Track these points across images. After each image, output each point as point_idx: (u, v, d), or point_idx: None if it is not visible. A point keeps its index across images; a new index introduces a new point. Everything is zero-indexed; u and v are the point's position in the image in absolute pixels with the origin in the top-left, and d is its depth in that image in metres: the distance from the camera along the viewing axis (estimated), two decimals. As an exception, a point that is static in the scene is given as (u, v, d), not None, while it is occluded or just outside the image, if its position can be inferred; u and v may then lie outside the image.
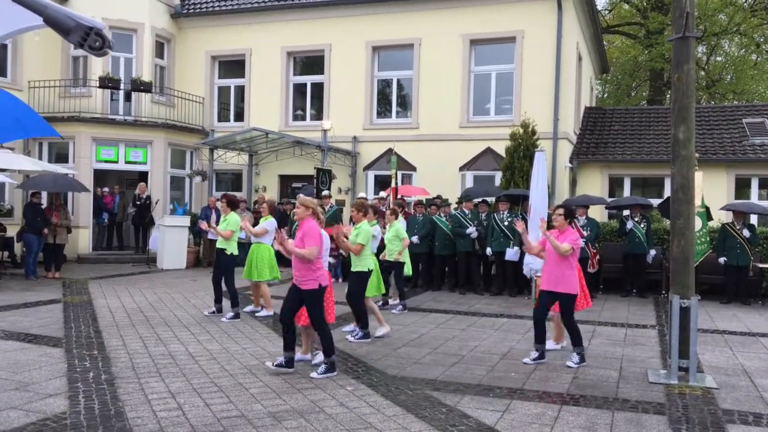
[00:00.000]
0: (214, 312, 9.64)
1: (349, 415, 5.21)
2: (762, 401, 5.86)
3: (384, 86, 17.84)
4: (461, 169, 16.22)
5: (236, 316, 9.32)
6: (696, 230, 10.24)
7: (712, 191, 14.05)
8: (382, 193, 14.86)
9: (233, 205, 9.67)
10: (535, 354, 7.18)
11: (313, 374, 6.33)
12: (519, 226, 7.35)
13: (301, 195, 6.81)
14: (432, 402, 5.60)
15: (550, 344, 7.52)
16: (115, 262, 16.42)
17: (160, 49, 18.76)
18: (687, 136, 6.73)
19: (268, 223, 9.57)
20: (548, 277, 7.06)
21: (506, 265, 12.39)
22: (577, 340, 7.11)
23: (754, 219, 13.84)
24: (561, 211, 7.26)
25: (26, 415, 5.06)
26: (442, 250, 12.93)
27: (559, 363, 7.12)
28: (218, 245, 9.60)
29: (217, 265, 9.70)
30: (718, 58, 32.63)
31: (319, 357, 6.66)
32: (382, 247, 9.96)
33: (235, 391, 5.82)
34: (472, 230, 12.48)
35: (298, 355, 6.77)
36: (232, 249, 9.50)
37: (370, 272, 8.05)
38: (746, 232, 12.08)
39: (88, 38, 2.78)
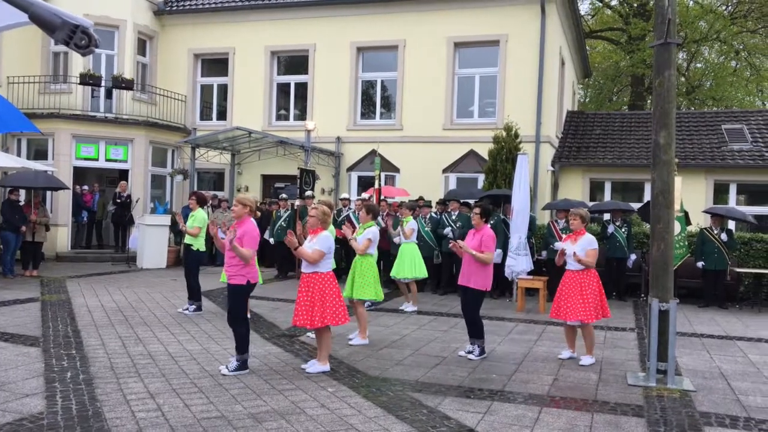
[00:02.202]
0: (188, 309, 9.78)
1: (330, 416, 5.20)
2: (738, 404, 5.94)
3: (368, 87, 17.85)
4: (444, 171, 16.27)
5: (199, 308, 9.66)
6: (675, 235, 10.39)
7: (691, 196, 14.22)
8: (365, 194, 14.87)
9: (202, 202, 9.86)
10: (477, 350, 7.45)
11: (223, 370, 6.44)
12: (454, 247, 7.47)
13: (241, 194, 6.82)
14: (413, 403, 5.60)
15: (566, 353, 7.54)
16: (94, 261, 16.24)
17: (142, 47, 18.60)
18: (667, 141, 6.80)
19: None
20: (463, 273, 7.49)
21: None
22: (477, 333, 7.47)
23: (731, 224, 14.02)
24: (477, 210, 7.52)
25: (2, 415, 4.98)
26: (421, 251, 12.91)
27: (541, 366, 7.17)
28: (185, 241, 9.79)
29: (186, 261, 9.84)
30: (698, 65, 33.05)
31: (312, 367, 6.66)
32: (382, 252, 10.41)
33: (215, 391, 5.78)
34: (448, 230, 12.54)
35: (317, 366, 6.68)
36: (199, 245, 9.73)
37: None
38: (724, 237, 12.24)
39: (74, 36, 2.75)
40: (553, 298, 7.58)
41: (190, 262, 9.72)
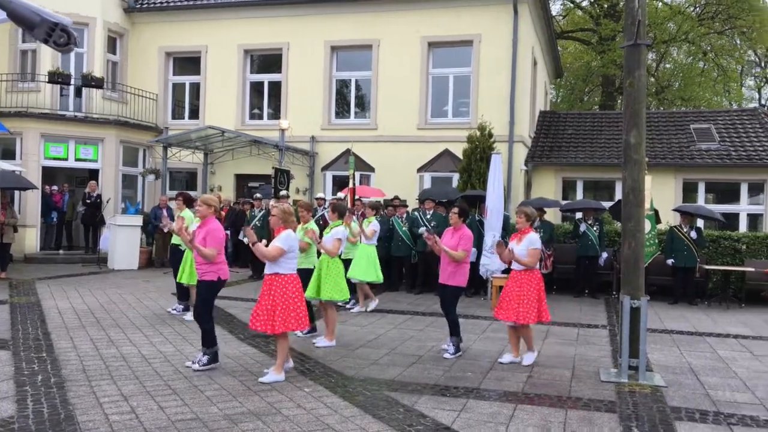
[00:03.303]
0: (176, 309, 9.76)
1: (307, 417, 5.19)
2: (708, 398, 6.06)
3: (342, 86, 17.82)
4: (419, 170, 16.31)
5: (186, 308, 9.51)
6: (645, 233, 10.57)
7: (661, 195, 14.46)
8: (340, 194, 14.84)
9: (189, 202, 9.73)
10: (451, 348, 7.54)
11: (194, 365, 6.51)
12: (429, 239, 7.53)
13: (205, 195, 6.89)
14: (390, 402, 5.62)
15: (507, 357, 7.27)
16: (64, 263, 15.97)
17: (112, 44, 18.34)
18: (638, 141, 6.91)
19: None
20: (443, 271, 7.55)
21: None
22: (454, 331, 7.55)
23: (700, 222, 14.29)
24: (456, 210, 7.61)
25: (-29, 420, 4.89)
26: (397, 251, 13.00)
27: (516, 365, 7.23)
28: (173, 242, 9.73)
29: (175, 261, 9.72)
30: (667, 65, 33.62)
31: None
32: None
33: (189, 393, 5.73)
34: (423, 229, 12.57)
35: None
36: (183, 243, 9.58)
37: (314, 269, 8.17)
38: (693, 234, 12.47)
39: (53, 34, 2.72)
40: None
41: (177, 263, 9.59)
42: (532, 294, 7.05)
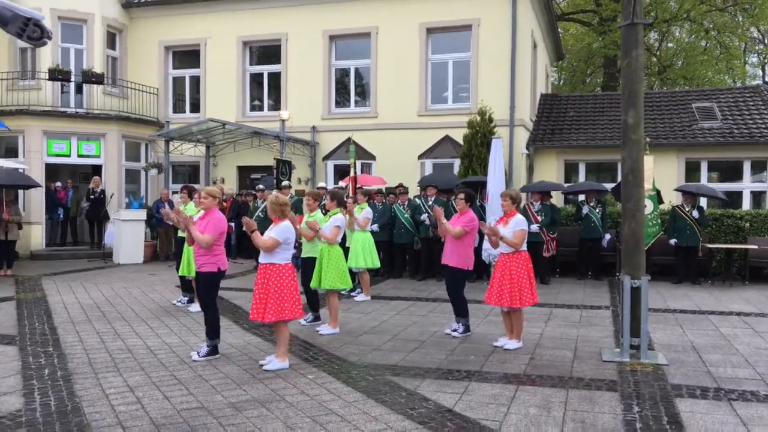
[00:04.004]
0: (181, 301, 9.85)
1: (310, 403, 5.25)
2: (709, 376, 6.09)
3: (342, 75, 17.80)
4: (420, 157, 16.31)
5: (191, 300, 9.61)
6: (647, 213, 10.56)
7: (664, 175, 14.44)
8: (341, 183, 14.86)
9: (192, 195, 9.79)
10: (460, 327, 7.77)
11: (194, 356, 6.61)
12: (437, 211, 7.61)
13: (208, 187, 7.05)
14: (392, 387, 5.67)
15: (503, 340, 7.28)
16: (69, 258, 16.07)
17: (111, 40, 18.35)
18: (636, 121, 6.90)
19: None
20: (445, 252, 7.75)
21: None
22: (462, 312, 7.76)
23: (703, 201, 14.26)
24: (462, 195, 7.73)
25: (-21, 414, 4.96)
26: (399, 238, 13.04)
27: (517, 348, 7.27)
28: (179, 234, 9.79)
29: (181, 253, 9.71)
30: (669, 45, 33.37)
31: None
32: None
33: (194, 383, 5.80)
34: (425, 216, 12.60)
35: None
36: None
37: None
38: (695, 214, 12.45)
39: (26, 28, 2.76)
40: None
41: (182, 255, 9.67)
42: (523, 276, 7.03)
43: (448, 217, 11.56)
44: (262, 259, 6.33)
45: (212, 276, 6.64)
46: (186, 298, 9.75)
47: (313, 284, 8.07)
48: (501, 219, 7.38)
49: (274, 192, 13.99)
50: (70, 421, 4.81)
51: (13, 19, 2.71)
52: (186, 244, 8.55)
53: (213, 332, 6.69)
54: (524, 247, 7.17)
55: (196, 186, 17.42)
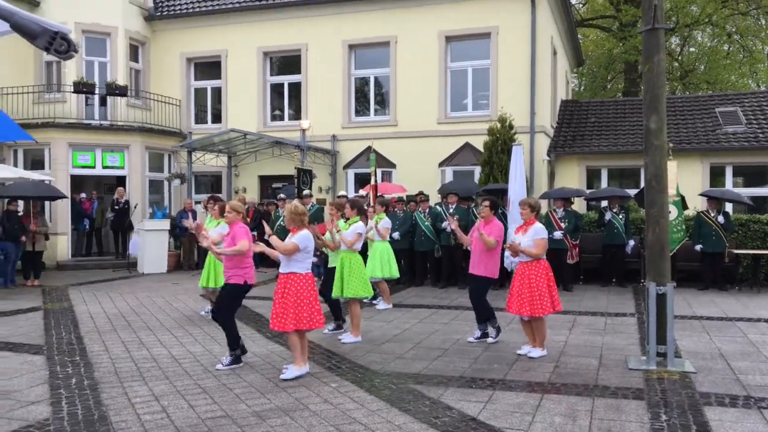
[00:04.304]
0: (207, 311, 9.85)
1: (334, 411, 5.25)
2: (738, 383, 5.99)
3: (362, 84, 17.87)
4: (440, 164, 16.30)
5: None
6: (672, 219, 10.44)
7: (688, 180, 14.26)
8: (362, 191, 14.90)
9: (223, 211, 9.83)
10: (477, 333, 7.88)
11: (218, 366, 6.69)
12: (453, 223, 7.65)
13: (232, 202, 7.22)
14: (415, 395, 5.65)
15: (526, 348, 7.24)
16: (95, 268, 16.28)
17: (134, 53, 18.62)
18: (659, 126, 6.84)
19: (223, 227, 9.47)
20: (472, 263, 7.76)
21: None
22: (487, 315, 7.87)
23: (729, 206, 14.06)
24: (487, 203, 7.65)
25: (8, 423, 5.03)
26: (420, 246, 13.02)
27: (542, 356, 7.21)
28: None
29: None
30: (692, 49, 33.04)
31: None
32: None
33: (219, 392, 5.83)
34: (446, 224, 12.57)
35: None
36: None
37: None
38: (721, 219, 12.27)
39: (54, 42, 2.83)
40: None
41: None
42: (542, 284, 6.96)
43: (469, 224, 11.58)
44: (282, 269, 6.37)
45: (238, 288, 6.69)
46: (211, 308, 9.77)
47: (335, 294, 8.08)
48: (520, 227, 7.36)
49: (295, 201, 14.10)
50: (97, 430, 4.86)
51: (41, 33, 2.78)
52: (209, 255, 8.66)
53: (234, 341, 6.74)
54: (543, 255, 7.12)
55: (218, 195, 17.67)
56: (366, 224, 8.57)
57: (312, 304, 6.27)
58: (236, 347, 6.76)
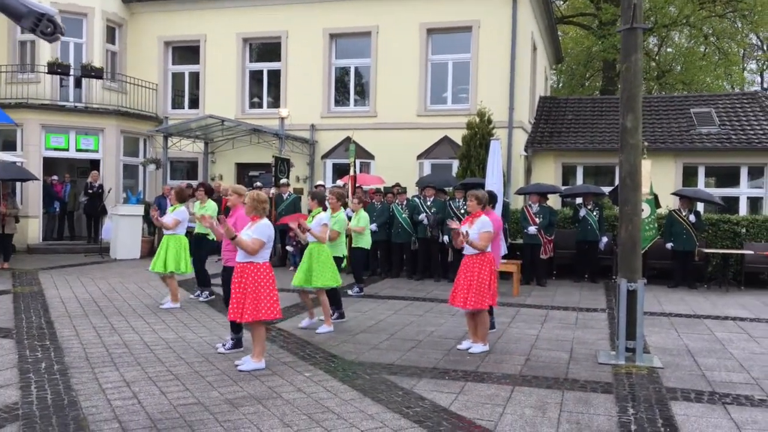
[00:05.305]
0: (200, 295, 9.95)
1: (307, 400, 5.26)
2: (704, 379, 6.12)
3: (342, 74, 17.81)
4: (419, 157, 16.34)
5: (211, 294, 9.84)
6: (644, 217, 10.60)
7: (661, 179, 14.48)
8: (340, 182, 14.88)
9: (210, 192, 9.96)
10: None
11: (220, 348, 6.81)
12: (452, 224, 7.32)
13: (234, 184, 7.05)
14: (389, 385, 5.69)
15: (466, 343, 7.17)
16: (66, 253, 16.06)
17: (111, 35, 18.32)
18: (634, 125, 6.93)
19: (179, 212, 9.41)
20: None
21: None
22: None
23: (700, 206, 14.30)
24: (473, 197, 7.16)
25: (-24, 406, 4.97)
26: (397, 237, 13.06)
27: (514, 347, 7.30)
28: (199, 231, 9.72)
29: (198, 250, 9.84)
30: (669, 50, 33.44)
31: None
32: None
33: (191, 378, 5.80)
34: (423, 216, 12.61)
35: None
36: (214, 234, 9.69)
37: (344, 258, 8.65)
38: (692, 218, 12.49)
39: (40, 24, 2.79)
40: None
41: (204, 252, 9.86)
42: (484, 278, 6.85)
43: (446, 217, 11.60)
44: (240, 258, 6.17)
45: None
46: (206, 293, 9.87)
47: (297, 283, 7.89)
48: (467, 219, 7.22)
49: (273, 190, 14.03)
50: (66, 415, 4.81)
51: (27, 14, 2.74)
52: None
53: (236, 327, 6.79)
54: (488, 248, 6.98)
55: (193, 182, 17.51)
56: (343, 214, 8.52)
57: (270, 294, 6.11)
58: (239, 331, 6.81)
